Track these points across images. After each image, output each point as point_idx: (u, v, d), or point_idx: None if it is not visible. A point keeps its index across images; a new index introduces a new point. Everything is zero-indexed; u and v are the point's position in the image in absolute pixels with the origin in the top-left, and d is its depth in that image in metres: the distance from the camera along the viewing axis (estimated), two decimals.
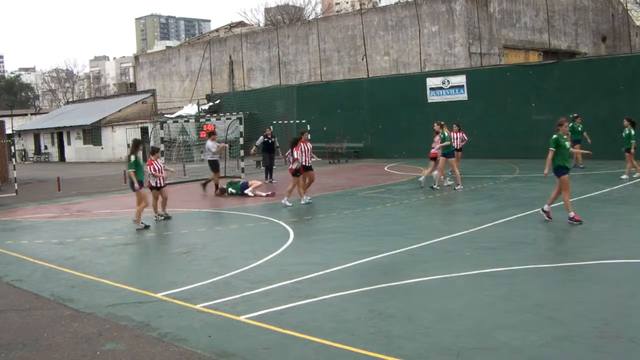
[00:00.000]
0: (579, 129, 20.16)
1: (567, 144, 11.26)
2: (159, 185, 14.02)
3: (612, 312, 6.43)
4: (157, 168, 13.89)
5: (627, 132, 17.08)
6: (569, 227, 10.97)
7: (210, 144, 19.31)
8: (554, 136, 11.24)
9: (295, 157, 15.44)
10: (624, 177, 16.97)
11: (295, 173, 15.53)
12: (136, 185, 13.02)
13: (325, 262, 9.04)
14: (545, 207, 11.49)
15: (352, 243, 10.60)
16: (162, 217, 14.16)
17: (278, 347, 5.88)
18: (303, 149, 15.64)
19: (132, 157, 13.18)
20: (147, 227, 13.04)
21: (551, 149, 11.16)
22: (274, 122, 31.46)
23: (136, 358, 5.81)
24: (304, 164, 15.59)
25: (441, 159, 16.91)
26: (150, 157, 14.06)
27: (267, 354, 5.75)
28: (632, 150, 16.88)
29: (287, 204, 15.26)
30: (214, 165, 19.06)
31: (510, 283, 7.66)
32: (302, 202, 15.57)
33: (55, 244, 11.97)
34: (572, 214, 11.10)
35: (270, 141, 21.31)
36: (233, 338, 6.19)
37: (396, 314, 6.62)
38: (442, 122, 17.32)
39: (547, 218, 11.39)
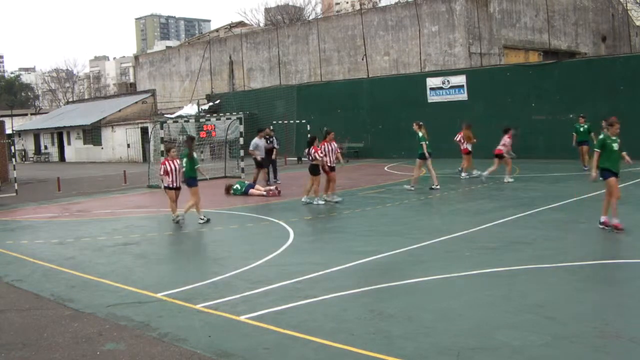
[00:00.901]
0: (581, 129, 20.15)
1: (615, 145, 10.29)
2: (172, 186, 13.67)
3: (612, 312, 6.43)
4: (171, 168, 13.57)
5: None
6: (568, 227, 10.96)
7: (258, 141, 19.63)
8: (601, 136, 10.54)
9: (318, 157, 15.18)
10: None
11: (315, 171, 15.29)
12: (203, 175, 13.84)
13: (325, 262, 9.05)
14: (602, 219, 10.49)
15: (352, 243, 10.60)
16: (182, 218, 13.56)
17: (278, 347, 5.88)
18: (327, 149, 15.35)
19: (195, 154, 13.76)
20: (208, 220, 13.40)
21: (596, 150, 10.41)
22: (274, 122, 31.42)
23: (136, 358, 5.81)
24: (328, 164, 15.35)
25: (418, 161, 17.05)
26: (165, 156, 14.00)
27: (267, 354, 5.75)
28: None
29: (338, 199, 15.50)
30: (261, 163, 19.57)
31: (510, 283, 7.66)
32: (303, 200, 15.56)
33: (55, 244, 11.97)
34: (603, 218, 10.49)
35: (268, 141, 21.23)
36: (233, 338, 6.19)
37: (396, 314, 6.63)
38: (421, 123, 17.33)
39: (605, 228, 10.41)
